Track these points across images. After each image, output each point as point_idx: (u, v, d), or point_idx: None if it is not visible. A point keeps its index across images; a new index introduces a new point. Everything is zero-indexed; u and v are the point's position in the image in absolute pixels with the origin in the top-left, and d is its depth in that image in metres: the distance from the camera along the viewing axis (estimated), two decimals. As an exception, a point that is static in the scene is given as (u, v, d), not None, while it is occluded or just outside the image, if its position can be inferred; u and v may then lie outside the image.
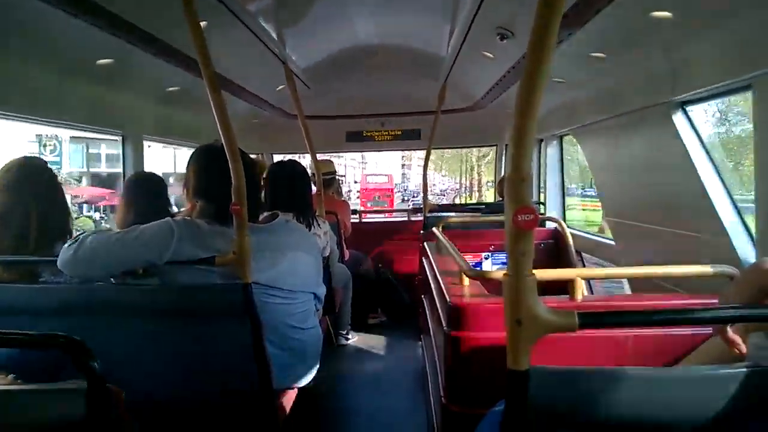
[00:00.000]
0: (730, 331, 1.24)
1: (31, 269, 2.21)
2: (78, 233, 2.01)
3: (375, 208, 20.54)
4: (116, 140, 3.72)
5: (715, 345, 1.41)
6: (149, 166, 3.76)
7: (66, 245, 1.96)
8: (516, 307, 0.97)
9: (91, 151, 23.56)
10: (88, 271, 1.95)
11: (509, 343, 0.99)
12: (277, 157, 6.47)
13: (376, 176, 30.41)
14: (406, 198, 35.61)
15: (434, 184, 40.08)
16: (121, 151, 3.71)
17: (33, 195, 2.21)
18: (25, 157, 2.32)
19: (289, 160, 3.67)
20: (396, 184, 37.32)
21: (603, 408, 1.03)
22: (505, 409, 1.03)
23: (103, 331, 1.89)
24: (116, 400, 1.18)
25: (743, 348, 1.24)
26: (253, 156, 5.77)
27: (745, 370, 0.99)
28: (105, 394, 1.08)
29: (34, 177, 2.26)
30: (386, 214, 6.66)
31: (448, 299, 2.11)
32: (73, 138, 21.44)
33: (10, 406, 1.11)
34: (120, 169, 3.84)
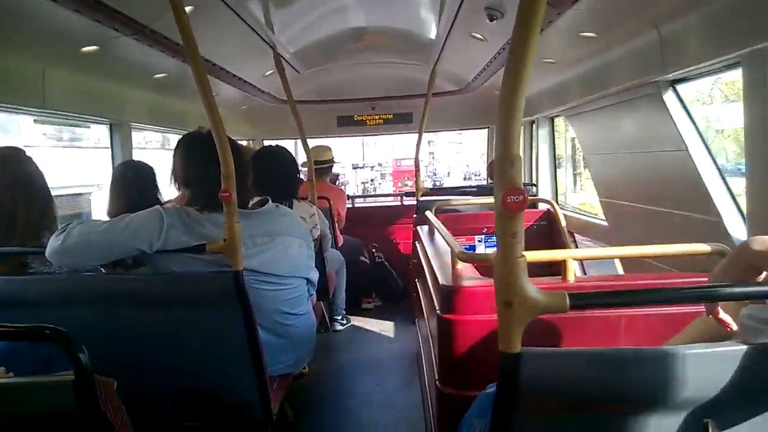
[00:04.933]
0: (720, 310, 1.24)
1: (20, 260, 2.19)
2: (66, 223, 1.99)
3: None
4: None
5: (704, 323, 1.41)
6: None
7: (54, 235, 1.94)
8: (506, 289, 0.96)
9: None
10: (76, 261, 1.94)
11: (500, 326, 0.98)
12: (267, 143, 6.43)
13: (405, 160, 31.38)
14: (437, 183, 35.58)
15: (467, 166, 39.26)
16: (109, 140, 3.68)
17: (15, 185, 2.19)
18: (4, 148, 2.29)
19: (273, 145, 3.64)
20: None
21: (596, 389, 1.03)
22: (496, 391, 1.02)
23: (95, 321, 1.88)
24: (106, 390, 1.18)
25: (734, 326, 1.24)
26: (243, 143, 5.75)
27: (740, 347, 0.99)
28: (93, 386, 1.07)
29: (15, 167, 2.24)
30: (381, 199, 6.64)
31: (440, 282, 2.11)
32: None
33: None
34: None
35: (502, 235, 0.96)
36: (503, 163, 0.95)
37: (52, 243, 1.91)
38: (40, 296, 1.94)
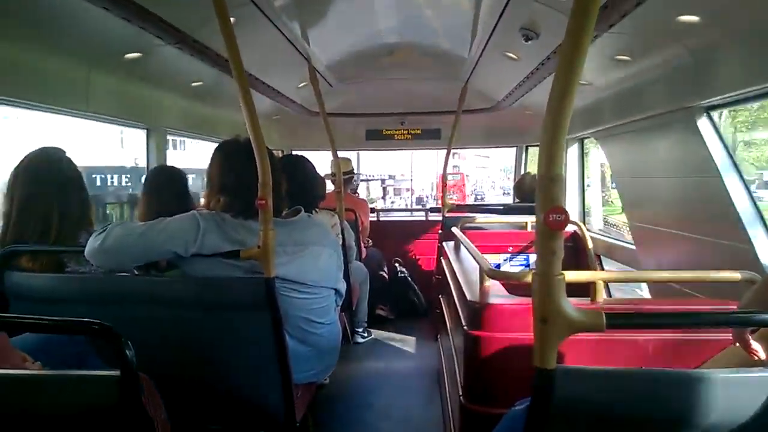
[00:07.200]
0: (750, 338, 1.24)
1: (57, 259, 2.24)
2: (105, 224, 2.04)
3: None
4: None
5: (734, 353, 1.40)
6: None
7: (93, 235, 1.98)
8: (544, 305, 0.98)
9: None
10: (114, 262, 1.98)
11: (536, 342, 0.99)
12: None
13: (452, 174, 32.03)
14: (478, 197, 35.76)
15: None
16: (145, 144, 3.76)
17: (54, 185, 2.24)
18: (45, 148, 2.35)
19: (296, 154, 3.68)
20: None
21: (631, 409, 1.04)
22: (530, 407, 1.03)
23: (126, 320, 1.91)
24: (148, 388, 1.21)
25: (762, 355, 1.24)
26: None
27: None
28: (138, 382, 1.10)
29: (55, 167, 2.29)
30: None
31: (468, 298, 2.11)
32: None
33: (44, 392, 1.13)
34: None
35: (543, 253, 0.97)
36: (547, 182, 0.96)
37: (92, 243, 1.96)
38: (75, 294, 1.98)
